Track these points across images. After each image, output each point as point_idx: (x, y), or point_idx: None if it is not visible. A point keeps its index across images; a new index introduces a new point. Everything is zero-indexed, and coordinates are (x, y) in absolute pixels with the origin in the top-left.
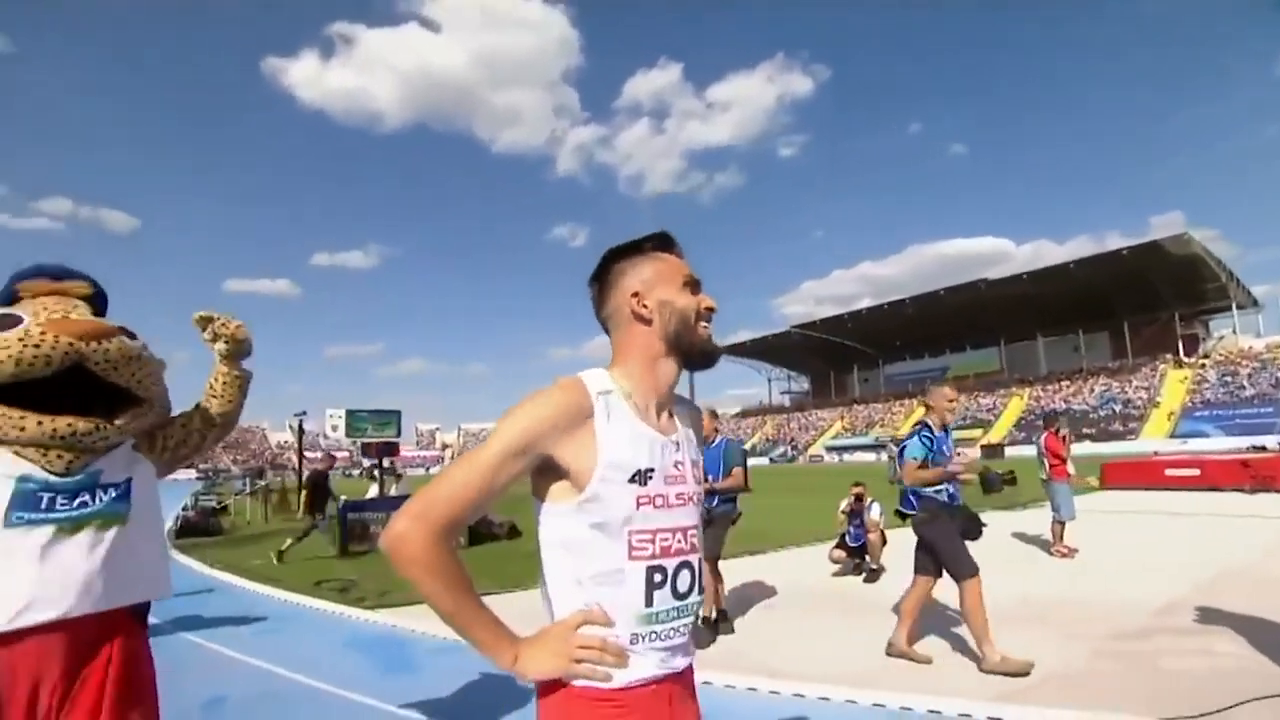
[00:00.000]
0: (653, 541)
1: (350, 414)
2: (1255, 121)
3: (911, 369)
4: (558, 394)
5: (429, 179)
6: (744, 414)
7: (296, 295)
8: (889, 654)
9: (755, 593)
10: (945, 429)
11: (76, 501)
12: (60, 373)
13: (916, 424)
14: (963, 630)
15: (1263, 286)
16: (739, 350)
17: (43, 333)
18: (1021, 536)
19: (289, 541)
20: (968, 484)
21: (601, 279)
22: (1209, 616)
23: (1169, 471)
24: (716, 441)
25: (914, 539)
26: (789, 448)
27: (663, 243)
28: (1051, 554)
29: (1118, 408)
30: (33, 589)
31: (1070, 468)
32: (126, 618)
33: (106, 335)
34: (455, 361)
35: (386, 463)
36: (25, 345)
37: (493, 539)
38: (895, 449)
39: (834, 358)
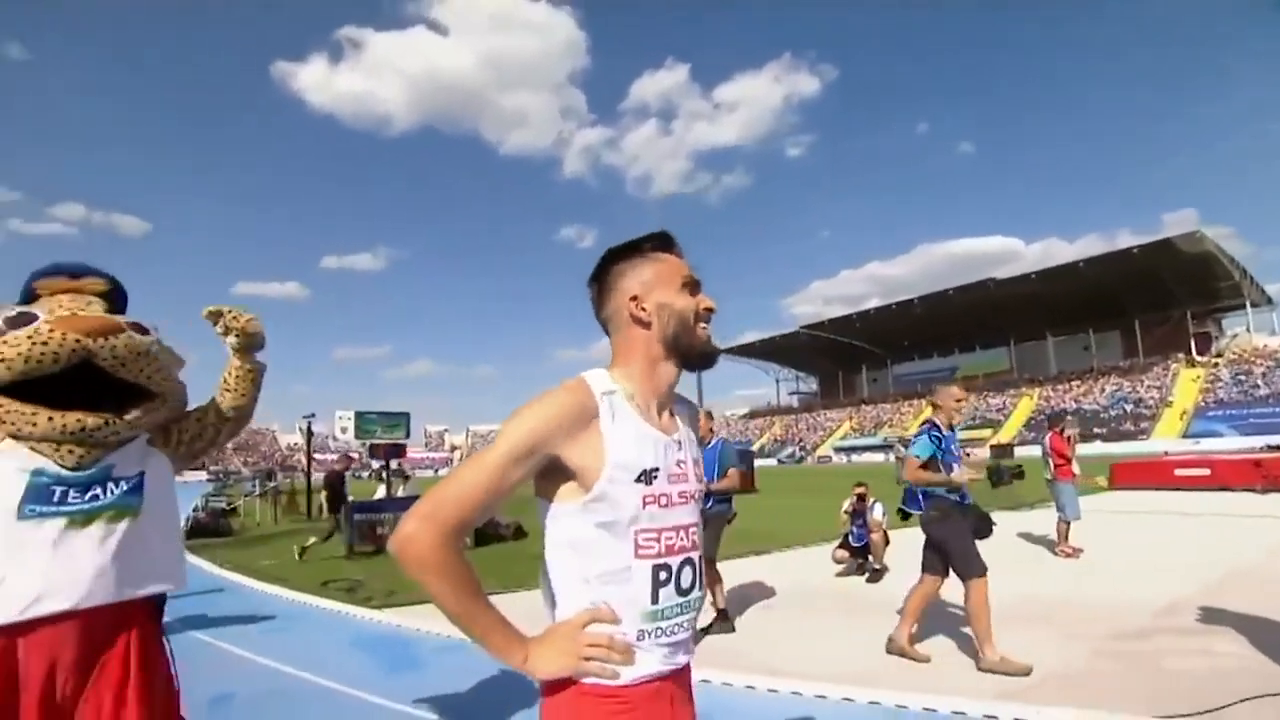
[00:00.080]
0: (658, 540)
1: (359, 416)
2: (1270, 118)
3: (920, 369)
4: (563, 395)
5: (437, 181)
6: (752, 415)
7: (305, 298)
8: (889, 650)
9: (758, 592)
10: (951, 428)
11: (88, 495)
12: (70, 369)
13: (924, 423)
14: (964, 630)
15: (1277, 284)
16: (747, 351)
17: (51, 330)
18: (1027, 536)
19: (312, 540)
20: (976, 481)
21: (601, 280)
22: (1212, 616)
23: (1179, 471)
24: (712, 443)
25: (916, 539)
26: (797, 448)
27: (662, 243)
28: (1056, 554)
29: (1129, 407)
30: (44, 580)
31: (1075, 468)
32: (142, 609)
33: (113, 331)
34: (463, 363)
35: (394, 464)
36: (34, 343)
37: (499, 539)
38: (904, 450)
39: (842, 358)
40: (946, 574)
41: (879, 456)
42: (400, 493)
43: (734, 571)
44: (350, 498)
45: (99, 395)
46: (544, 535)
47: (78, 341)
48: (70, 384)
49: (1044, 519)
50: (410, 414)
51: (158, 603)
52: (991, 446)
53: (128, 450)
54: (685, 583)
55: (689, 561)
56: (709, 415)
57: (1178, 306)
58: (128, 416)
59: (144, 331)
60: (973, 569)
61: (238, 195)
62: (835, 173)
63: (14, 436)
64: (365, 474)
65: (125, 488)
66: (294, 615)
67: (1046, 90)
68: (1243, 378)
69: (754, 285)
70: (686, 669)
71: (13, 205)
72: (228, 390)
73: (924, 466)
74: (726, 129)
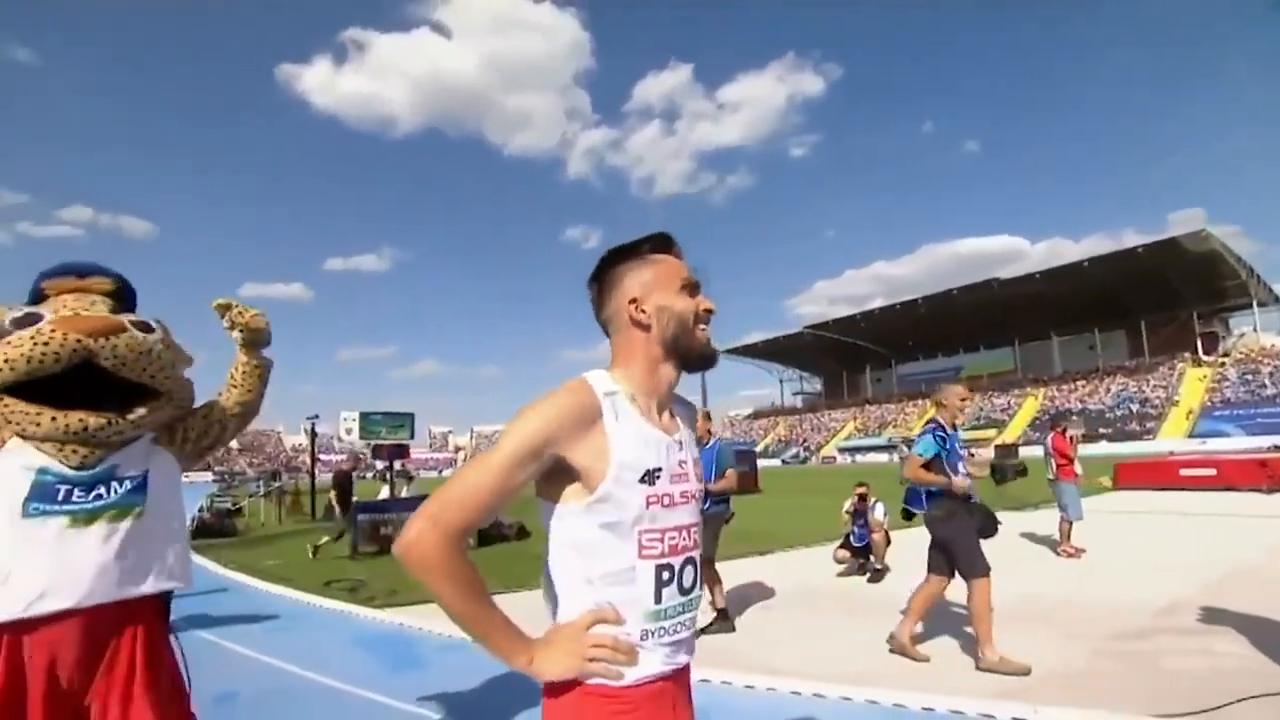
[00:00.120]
0: (661, 540)
1: (364, 416)
2: (1276, 116)
3: (925, 369)
4: (566, 396)
5: (441, 183)
6: (756, 415)
7: (310, 299)
8: (890, 647)
9: (758, 592)
10: (954, 428)
11: (92, 494)
12: (72, 369)
13: (928, 422)
14: (966, 629)
15: None
16: (751, 351)
17: (53, 330)
18: (1030, 536)
19: (325, 539)
20: (979, 478)
21: (600, 282)
22: (1213, 616)
23: (1184, 471)
24: (710, 443)
25: (917, 539)
26: (801, 449)
27: (661, 244)
28: (1058, 554)
29: (1135, 407)
30: (48, 578)
31: (1077, 468)
32: (147, 608)
33: (115, 331)
34: (468, 364)
35: (398, 465)
36: (35, 343)
37: (502, 540)
38: (908, 450)
39: (847, 358)
40: (952, 574)
41: (883, 457)
42: (404, 494)
43: (735, 571)
44: (354, 499)
45: (103, 395)
46: (547, 536)
47: (79, 342)
48: (74, 384)
49: (1047, 519)
50: (415, 415)
51: (164, 601)
52: (996, 446)
53: (132, 449)
54: (687, 582)
55: (690, 561)
56: (707, 416)
57: (1184, 306)
58: (131, 416)
59: (148, 330)
60: (976, 569)
61: (243, 197)
62: (839, 172)
63: (20, 436)
64: (369, 474)
65: (129, 487)
66: (298, 615)
67: (1052, 89)
68: (1250, 377)
69: (758, 285)
70: (687, 669)
71: (21, 208)
72: (234, 386)
73: (928, 466)
74: (730, 129)
